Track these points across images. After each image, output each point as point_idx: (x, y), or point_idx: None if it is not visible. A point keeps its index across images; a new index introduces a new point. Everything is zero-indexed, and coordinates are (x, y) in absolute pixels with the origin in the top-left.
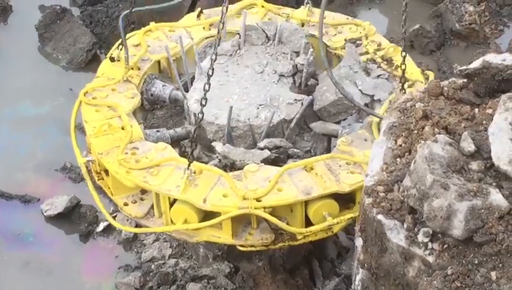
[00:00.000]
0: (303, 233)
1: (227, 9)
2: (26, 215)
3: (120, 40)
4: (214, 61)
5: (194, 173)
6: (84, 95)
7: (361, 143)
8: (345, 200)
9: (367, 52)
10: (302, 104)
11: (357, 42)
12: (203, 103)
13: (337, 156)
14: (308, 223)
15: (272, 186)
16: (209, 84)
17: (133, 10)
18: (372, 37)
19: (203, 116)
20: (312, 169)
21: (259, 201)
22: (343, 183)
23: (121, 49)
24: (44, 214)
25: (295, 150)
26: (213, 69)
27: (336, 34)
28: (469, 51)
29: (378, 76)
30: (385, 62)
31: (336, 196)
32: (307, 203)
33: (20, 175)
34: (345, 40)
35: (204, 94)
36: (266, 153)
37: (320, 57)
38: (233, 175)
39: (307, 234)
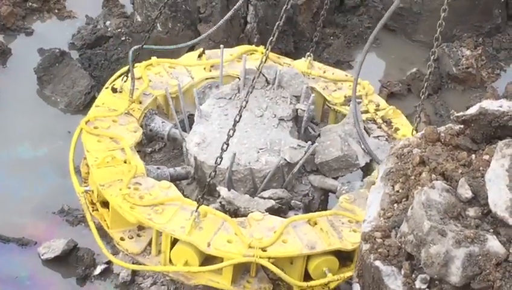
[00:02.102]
0: (303, 287)
1: (266, 58)
2: (23, 258)
3: (122, 71)
4: (244, 108)
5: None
6: (86, 124)
7: (364, 202)
8: (342, 257)
9: (367, 111)
10: (305, 151)
11: (357, 100)
12: (224, 147)
13: (340, 213)
14: (305, 276)
15: (277, 237)
16: (234, 131)
17: (143, 47)
18: (371, 96)
19: (221, 162)
20: (316, 224)
21: (265, 251)
22: (346, 241)
23: (125, 81)
24: (42, 257)
25: (297, 202)
26: (240, 116)
27: (335, 90)
28: (466, 95)
29: (378, 137)
30: (385, 123)
31: (335, 253)
32: (308, 257)
33: (17, 218)
34: (345, 96)
35: (227, 139)
36: (271, 202)
37: (318, 108)
38: (237, 221)
39: (305, 288)
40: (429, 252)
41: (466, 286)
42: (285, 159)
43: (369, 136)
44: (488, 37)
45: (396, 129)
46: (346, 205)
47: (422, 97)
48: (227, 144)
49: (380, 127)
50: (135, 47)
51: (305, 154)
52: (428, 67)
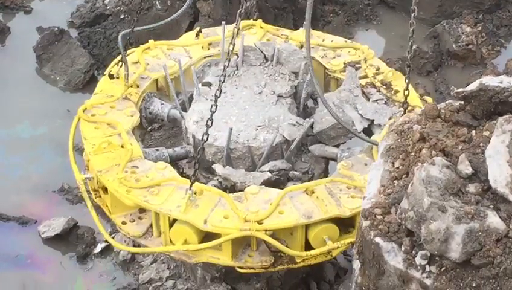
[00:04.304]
0: (303, 257)
1: (238, 31)
2: (23, 236)
3: (119, 57)
4: (222, 82)
5: (195, 193)
6: (83, 112)
7: (362, 167)
8: (344, 224)
9: (366, 76)
10: (303, 127)
11: (356, 66)
12: (209, 124)
13: (338, 180)
14: (307, 246)
15: (273, 209)
16: (216, 106)
17: (134, 30)
18: (371, 60)
19: (207, 138)
20: (313, 193)
21: (261, 223)
22: (344, 208)
23: (120, 66)
24: (42, 235)
25: (295, 172)
26: (220, 90)
27: (334, 57)
28: (466, 72)
29: (377, 100)
30: (384, 87)
31: (336, 220)
32: (307, 226)
33: (17, 197)
34: (344, 63)
35: (211, 115)
36: (267, 174)
37: (319, 78)
38: (234, 197)
39: (307, 258)
40: (429, 229)
41: (466, 262)
42: (283, 136)
43: (368, 100)
44: (488, 14)
45: (396, 91)
46: (344, 171)
47: (408, 70)
48: (212, 120)
49: (379, 91)
50: (124, 32)
51: (303, 130)
52: (408, 40)
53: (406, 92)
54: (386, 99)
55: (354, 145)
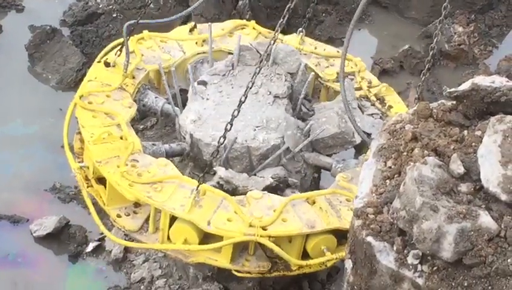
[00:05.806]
0: (303, 265)
1: (275, 41)
2: (15, 235)
3: (113, 44)
4: (250, 88)
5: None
6: (80, 99)
7: None
8: (339, 236)
9: (360, 88)
10: (304, 135)
11: (349, 77)
12: (228, 128)
13: (338, 191)
14: (304, 254)
15: (277, 216)
16: (239, 111)
17: (138, 22)
18: (363, 73)
19: (224, 141)
20: (314, 203)
21: (265, 229)
22: (345, 220)
23: (118, 55)
24: (34, 234)
25: (294, 180)
26: (246, 96)
27: (328, 66)
28: (458, 72)
29: (373, 114)
30: (378, 101)
31: (333, 232)
32: (307, 236)
33: (8, 195)
34: (337, 73)
35: (231, 120)
36: (269, 180)
37: (310, 84)
38: (236, 200)
39: (302, 266)
40: (421, 228)
41: (458, 261)
42: (289, 147)
43: (362, 113)
44: (480, 14)
45: (390, 107)
46: (343, 183)
47: (423, 78)
48: (231, 124)
49: (373, 105)
50: (129, 22)
51: (307, 139)
52: (430, 49)
53: (421, 87)
54: (381, 114)
55: (348, 157)
